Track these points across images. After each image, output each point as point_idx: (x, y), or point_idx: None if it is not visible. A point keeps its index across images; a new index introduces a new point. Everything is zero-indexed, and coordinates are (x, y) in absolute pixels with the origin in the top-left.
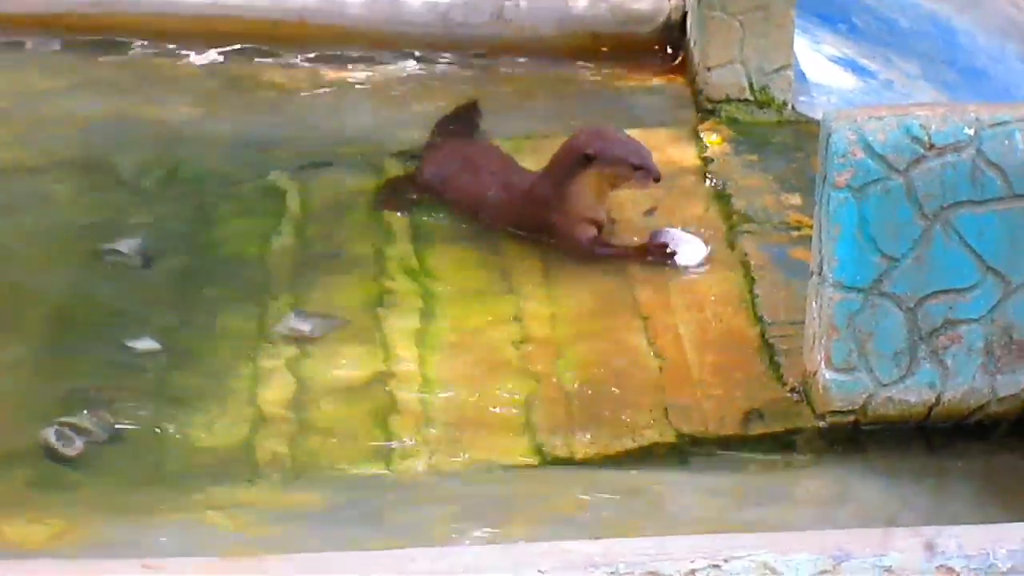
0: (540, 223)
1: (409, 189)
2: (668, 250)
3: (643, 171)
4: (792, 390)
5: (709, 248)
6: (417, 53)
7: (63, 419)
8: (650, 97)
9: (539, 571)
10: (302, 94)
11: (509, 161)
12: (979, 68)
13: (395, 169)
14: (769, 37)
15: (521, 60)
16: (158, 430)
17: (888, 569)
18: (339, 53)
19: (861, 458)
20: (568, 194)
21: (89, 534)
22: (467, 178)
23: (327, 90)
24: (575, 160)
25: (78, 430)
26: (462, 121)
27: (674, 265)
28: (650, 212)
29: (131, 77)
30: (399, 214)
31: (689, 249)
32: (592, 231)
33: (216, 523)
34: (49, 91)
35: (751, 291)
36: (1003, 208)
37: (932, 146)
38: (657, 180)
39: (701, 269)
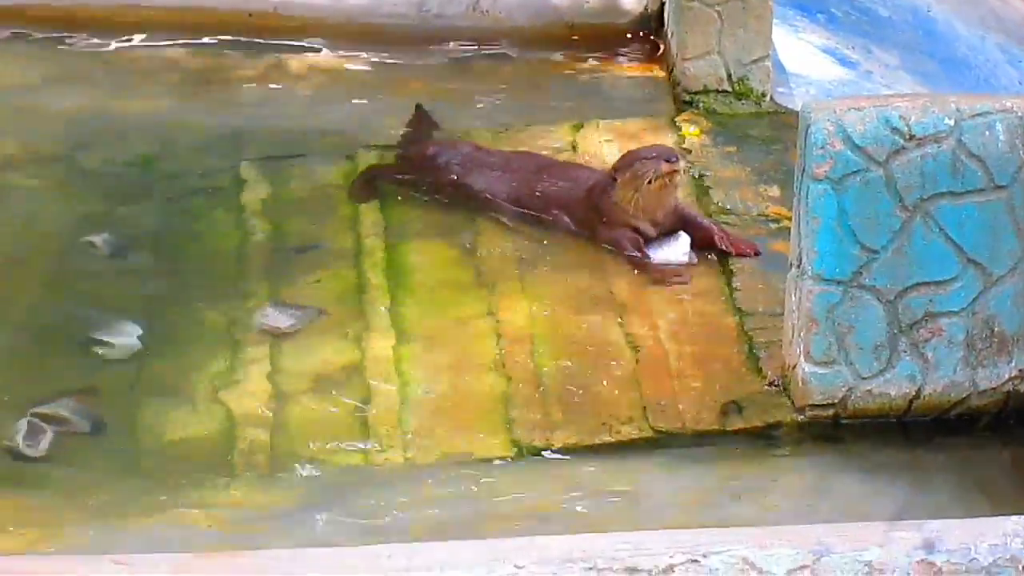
0: (592, 222)
1: (388, 179)
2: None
3: (655, 159)
4: (771, 383)
5: (692, 249)
6: (393, 45)
7: (36, 409)
8: (628, 88)
9: (516, 566)
10: (276, 86)
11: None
12: (959, 58)
13: (369, 160)
14: (747, 28)
15: (497, 51)
16: (135, 425)
17: (868, 564)
18: (314, 44)
19: (841, 452)
20: (608, 205)
21: (64, 533)
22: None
23: (302, 82)
24: (608, 177)
25: (52, 420)
26: (422, 127)
27: (657, 260)
28: None
29: (104, 70)
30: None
31: (673, 244)
32: (634, 236)
33: (191, 520)
34: (21, 85)
35: (729, 284)
36: (984, 199)
37: (912, 137)
38: (669, 160)
39: (684, 263)
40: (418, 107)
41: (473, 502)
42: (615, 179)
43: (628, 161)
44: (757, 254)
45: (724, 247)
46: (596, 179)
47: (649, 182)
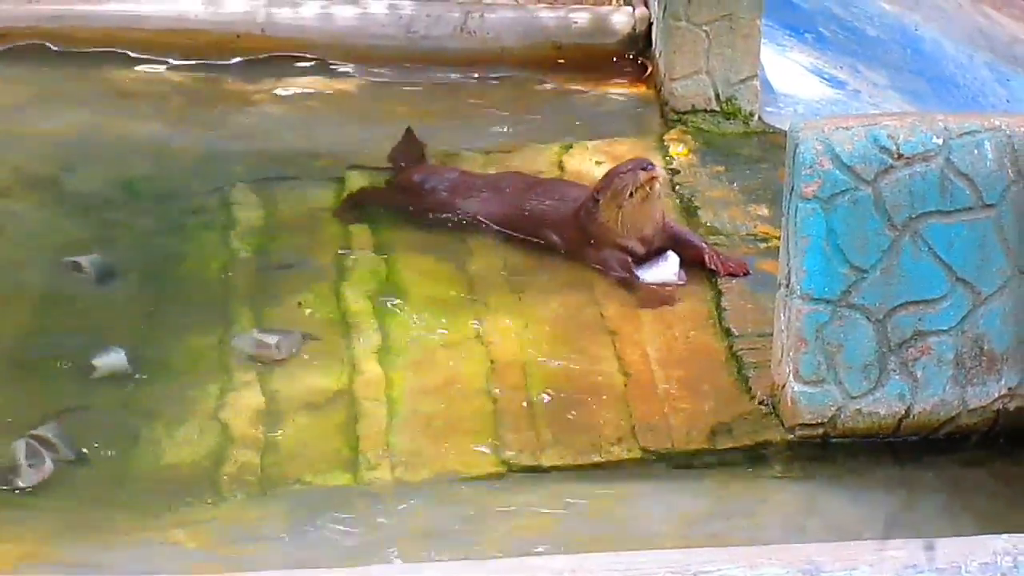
0: (581, 242)
1: (377, 202)
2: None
3: (630, 172)
4: (760, 403)
5: (681, 268)
6: (381, 66)
7: (35, 432)
8: (616, 108)
9: None
10: (265, 108)
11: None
12: (947, 77)
13: (358, 182)
14: (735, 47)
15: (486, 72)
16: (123, 448)
17: None
18: (303, 66)
19: (830, 471)
20: (595, 227)
21: (53, 554)
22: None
23: (290, 103)
24: (591, 200)
25: (47, 444)
26: (411, 150)
27: (647, 280)
28: None
29: (94, 92)
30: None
31: (662, 264)
32: (620, 257)
33: (180, 541)
34: (10, 106)
35: (718, 304)
36: (972, 218)
37: (900, 156)
38: (645, 168)
39: (674, 283)
40: (408, 130)
41: (463, 522)
42: (597, 200)
43: (607, 180)
44: (746, 274)
45: (713, 267)
46: (581, 197)
47: (631, 195)
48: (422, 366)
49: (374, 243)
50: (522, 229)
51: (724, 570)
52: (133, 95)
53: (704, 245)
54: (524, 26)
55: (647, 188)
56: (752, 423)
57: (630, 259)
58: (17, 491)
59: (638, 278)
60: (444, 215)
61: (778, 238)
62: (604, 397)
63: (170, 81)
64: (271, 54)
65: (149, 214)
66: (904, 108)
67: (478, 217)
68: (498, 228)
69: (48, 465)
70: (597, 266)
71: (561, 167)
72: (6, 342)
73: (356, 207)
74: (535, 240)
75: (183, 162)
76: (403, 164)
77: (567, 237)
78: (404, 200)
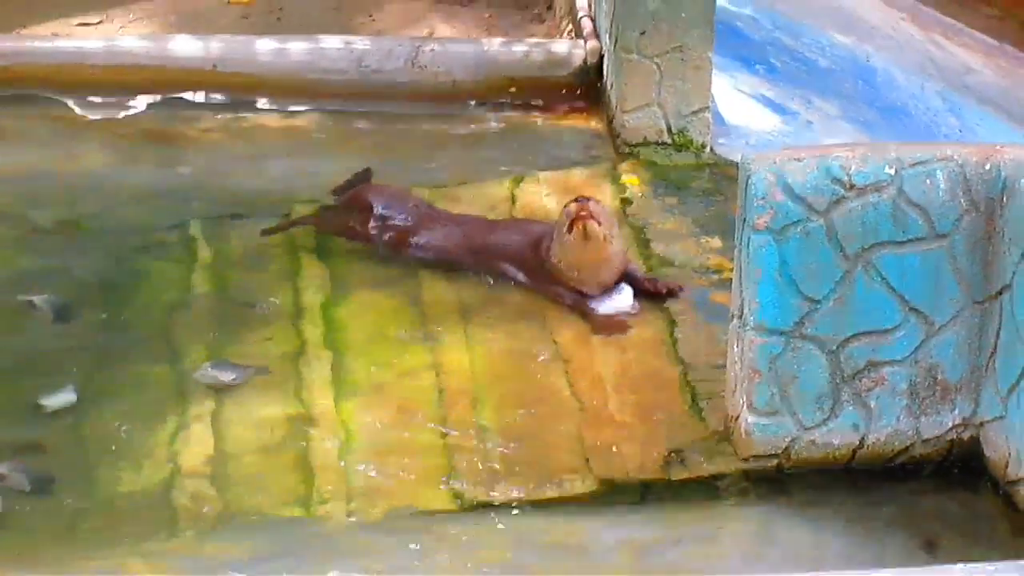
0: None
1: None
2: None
3: (566, 211)
4: (714, 433)
5: (636, 298)
6: (333, 100)
7: None
8: (568, 140)
9: None
10: (218, 143)
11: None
12: (899, 107)
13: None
14: (686, 79)
15: (437, 106)
16: (78, 483)
17: None
18: (254, 101)
19: (786, 501)
20: (553, 269)
21: None
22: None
23: (242, 139)
24: (538, 261)
25: None
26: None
27: (603, 311)
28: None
29: (44, 129)
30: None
31: (616, 296)
32: (574, 296)
33: (137, 571)
34: None
35: (672, 334)
36: (925, 248)
37: (852, 186)
38: (577, 200)
39: (629, 312)
40: (366, 170)
41: (417, 555)
42: (546, 255)
43: (547, 230)
44: (681, 289)
45: (652, 288)
46: (542, 234)
47: (568, 230)
48: (375, 399)
49: (327, 277)
50: (480, 262)
51: None
52: (83, 133)
53: (640, 274)
54: (475, 59)
55: (582, 226)
56: (706, 453)
57: (583, 297)
58: None
59: (593, 310)
60: (400, 244)
61: (731, 270)
62: (558, 428)
63: (123, 119)
64: (223, 90)
65: (102, 251)
66: (856, 138)
67: (434, 247)
68: (454, 260)
69: None
70: (551, 299)
71: (513, 199)
72: None
73: (292, 227)
74: (492, 275)
75: (136, 199)
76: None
77: (526, 271)
78: (349, 219)
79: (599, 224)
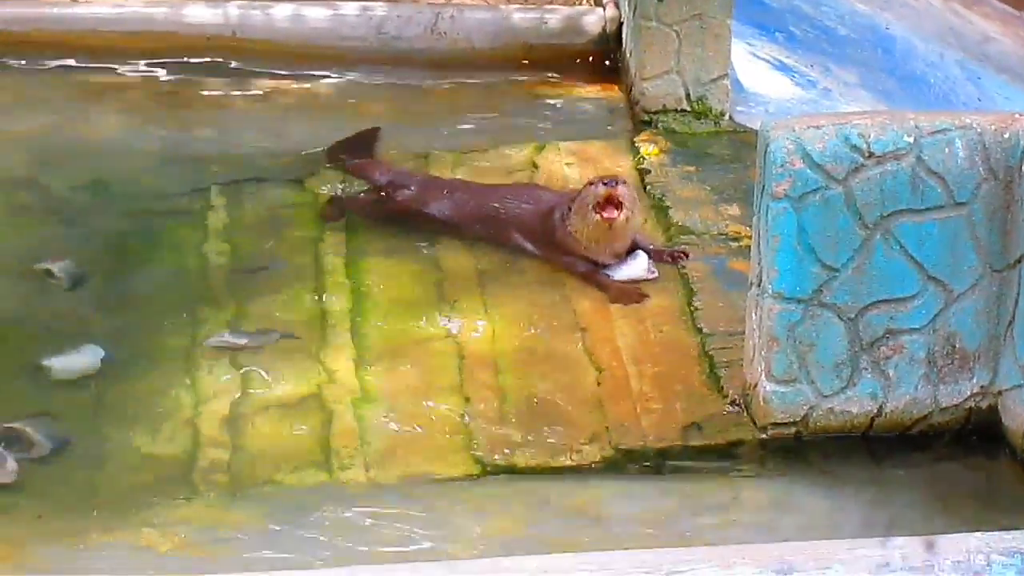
0: (550, 245)
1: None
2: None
3: (591, 186)
4: (732, 402)
5: (651, 262)
6: (352, 67)
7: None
8: (587, 108)
9: None
10: (236, 109)
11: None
12: (918, 76)
13: (329, 185)
14: (706, 47)
15: (456, 73)
16: (94, 450)
17: None
18: (274, 67)
19: (803, 470)
20: (566, 237)
21: (24, 557)
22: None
23: (261, 104)
24: (564, 211)
25: (16, 441)
26: (360, 145)
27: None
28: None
29: (62, 94)
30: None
31: (633, 262)
32: (587, 265)
33: (152, 542)
34: None
35: (690, 303)
36: (944, 216)
37: (871, 155)
38: (607, 183)
39: (646, 278)
40: (375, 130)
41: (435, 522)
42: (570, 209)
43: (580, 191)
44: (686, 255)
45: (656, 260)
46: (554, 203)
47: (592, 209)
48: (394, 366)
49: (346, 244)
50: (491, 232)
51: (697, 570)
52: (104, 97)
53: (648, 244)
54: (495, 27)
55: (609, 219)
56: (724, 422)
57: (596, 266)
58: None
59: (608, 277)
60: (413, 216)
61: (749, 237)
62: (577, 396)
63: (141, 83)
64: (242, 55)
65: (120, 217)
66: (875, 107)
67: (445, 218)
68: (466, 231)
69: (11, 467)
70: (564, 268)
71: (534, 167)
72: None
73: (337, 207)
74: (503, 244)
75: (154, 164)
76: (344, 158)
77: (536, 240)
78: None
79: (626, 209)
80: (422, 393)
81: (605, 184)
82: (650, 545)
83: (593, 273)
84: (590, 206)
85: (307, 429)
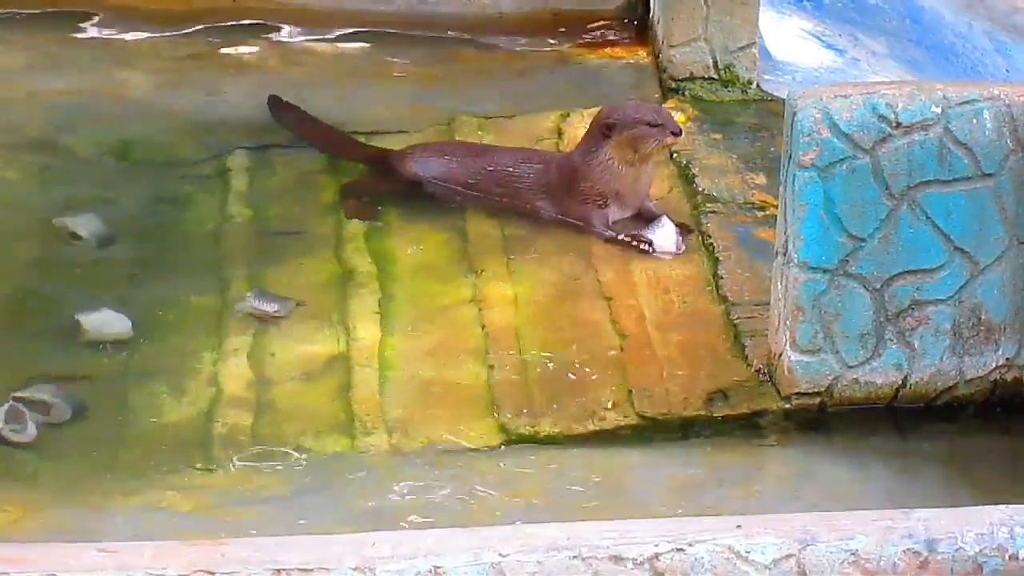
0: (562, 196)
1: (375, 191)
2: (649, 245)
3: (660, 127)
4: (757, 371)
5: (678, 233)
6: (381, 31)
7: (17, 394)
8: (613, 75)
9: (500, 555)
10: (261, 72)
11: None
12: (946, 46)
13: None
14: (734, 14)
15: (484, 38)
16: (117, 411)
17: (854, 553)
18: (301, 30)
19: (827, 440)
20: (593, 165)
21: (46, 520)
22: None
23: (287, 68)
24: (598, 132)
25: (36, 405)
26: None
27: (650, 251)
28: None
29: (89, 55)
30: (370, 222)
31: (660, 231)
32: (604, 213)
33: (175, 506)
34: (4, 70)
35: (715, 272)
36: (971, 188)
37: (899, 125)
38: (676, 134)
39: (674, 254)
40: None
41: (458, 489)
42: (609, 135)
43: (627, 119)
44: (690, 231)
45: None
46: (560, 159)
47: (649, 151)
48: (417, 331)
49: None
50: (503, 194)
51: (719, 539)
52: (129, 60)
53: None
54: None
55: (654, 147)
56: (749, 391)
57: (609, 217)
58: (10, 446)
59: (650, 244)
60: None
61: (775, 206)
62: (600, 364)
63: (166, 46)
64: (267, 18)
65: (146, 179)
66: (903, 77)
67: (463, 189)
68: (485, 198)
69: (31, 431)
70: (577, 221)
71: (559, 133)
72: (0, 305)
73: (359, 201)
74: (514, 206)
75: (179, 127)
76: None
77: (551, 197)
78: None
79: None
80: (445, 360)
81: (675, 135)
82: (673, 514)
83: (605, 231)
84: (648, 148)
85: (330, 394)
